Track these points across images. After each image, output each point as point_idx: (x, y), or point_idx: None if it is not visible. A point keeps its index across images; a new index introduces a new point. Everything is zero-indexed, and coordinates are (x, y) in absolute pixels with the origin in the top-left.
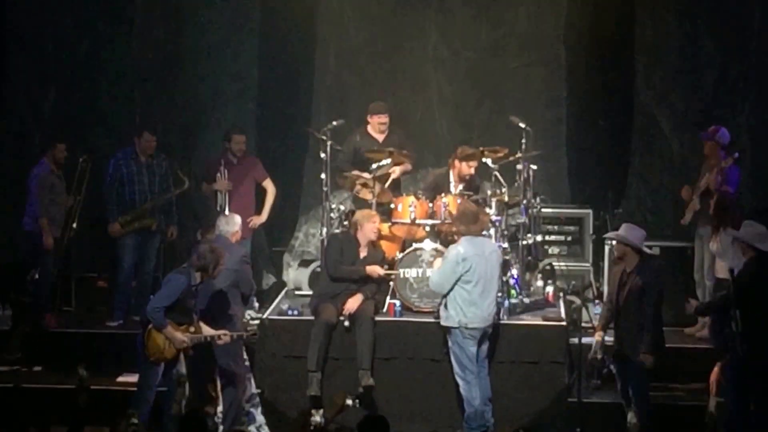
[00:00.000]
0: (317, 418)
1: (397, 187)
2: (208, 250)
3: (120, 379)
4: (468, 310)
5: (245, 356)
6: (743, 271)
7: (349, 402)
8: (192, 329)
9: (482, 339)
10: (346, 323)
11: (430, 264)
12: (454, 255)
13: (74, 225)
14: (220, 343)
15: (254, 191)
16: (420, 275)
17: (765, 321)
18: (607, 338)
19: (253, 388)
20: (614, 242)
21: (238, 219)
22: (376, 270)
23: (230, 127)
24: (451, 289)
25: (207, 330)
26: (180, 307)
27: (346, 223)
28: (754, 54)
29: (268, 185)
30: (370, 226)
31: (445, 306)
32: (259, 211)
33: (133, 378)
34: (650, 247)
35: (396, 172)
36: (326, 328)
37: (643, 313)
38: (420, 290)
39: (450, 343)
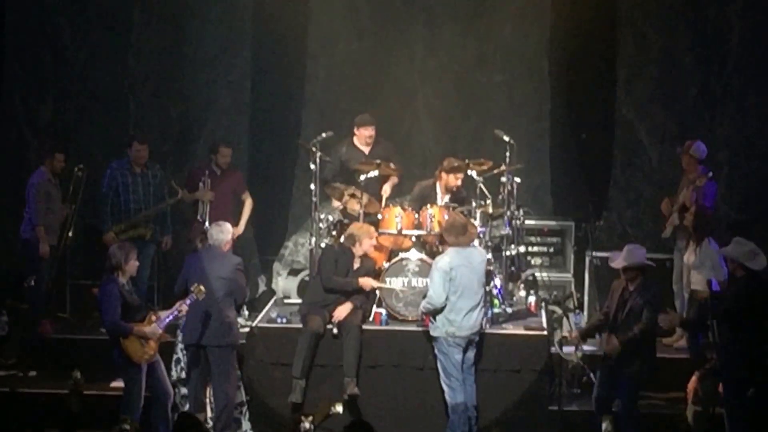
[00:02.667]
0: (306, 424)
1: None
2: (116, 248)
3: (113, 384)
4: (454, 320)
5: (236, 364)
6: (732, 288)
7: (337, 409)
8: (154, 317)
9: (468, 347)
10: (335, 331)
11: (416, 273)
12: (442, 266)
13: (70, 233)
14: (181, 315)
15: (233, 203)
16: (406, 285)
17: (751, 338)
18: (586, 347)
19: (242, 396)
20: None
21: (229, 227)
22: (368, 282)
23: (218, 140)
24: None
25: (164, 312)
26: (129, 307)
27: (334, 233)
28: (733, 69)
29: (247, 198)
30: (368, 241)
31: (433, 316)
32: (235, 224)
33: None
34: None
35: (387, 191)
36: (313, 337)
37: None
38: (405, 299)
39: (436, 351)
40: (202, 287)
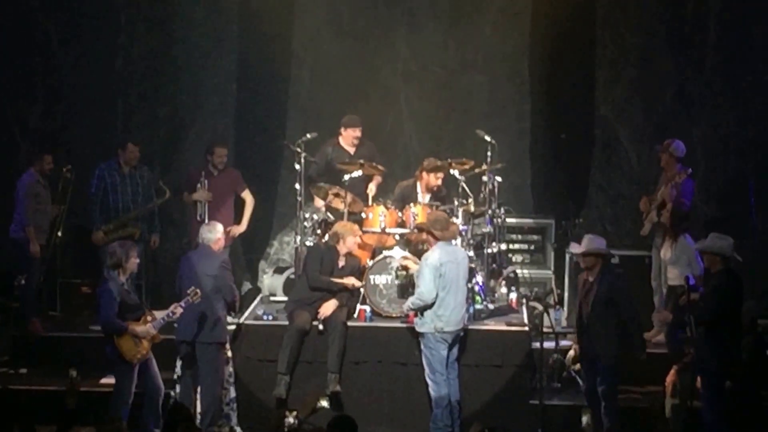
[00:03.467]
0: (291, 419)
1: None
2: (117, 246)
3: (103, 380)
4: (442, 315)
5: (224, 360)
6: (712, 282)
7: (323, 403)
8: (149, 318)
9: (453, 342)
10: (320, 327)
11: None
12: (432, 261)
13: (59, 233)
14: (175, 317)
15: (233, 202)
16: (389, 282)
17: (730, 330)
18: (565, 342)
19: (233, 391)
20: (581, 255)
21: (220, 227)
22: (353, 282)
23: (213, 140)
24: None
25: (160, 313)
26: (126, 306)
27: (319, 231)
28: (710, 70)
29: (247, 196)
30: (352, 239)
31: (420, 312)
32: (238, 221)
33: None
34: (612, 256)
35: (373, 190)
36: (298, 334)
37: (613, 319)
38: (389, 296)
39: (422, 347)
40: (198, 291)
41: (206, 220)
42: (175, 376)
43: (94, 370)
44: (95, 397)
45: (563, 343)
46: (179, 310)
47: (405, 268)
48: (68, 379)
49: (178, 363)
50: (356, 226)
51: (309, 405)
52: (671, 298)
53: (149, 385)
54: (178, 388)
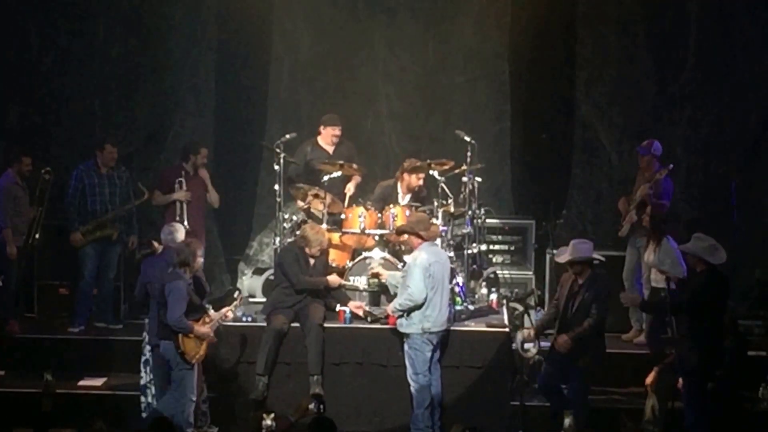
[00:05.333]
0: (268, 421)
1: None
2: (183, 245)
3: (81, 383)
4: (429, 315)
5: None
6: (694, 282)
7: (312, 406)
8: (207, 320)
9: (438, 343)
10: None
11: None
12: (421, 262)
13: (37, 235)
14: (227, 321)
15: (206, 201)
16: (369, 283)
17: (712, 331)
18: (543, 343)
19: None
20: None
21: (181, 227)
22: (337, 280)
23: (196, 141)
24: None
25: (214, 315)
26: (191, 305)
27: (298, 232)
28: (691, 69)
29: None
30: (316, 246)
31: (406, 313)
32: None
33: (95, 382)
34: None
35: (351, 189)
36: (276, 335)
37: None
38: (369, 298)
39: (407, 348)
40: (242, 295)
41: (185, 221)
42: (142, 382)
43: (71, 372)
44: (74, 400)
45: (544, 344)
46: (230, 314)
47: (376, 275)
48: (43, 383)
49: (144, 368)
50: (325, 234)
51: (301, 407)
52: (654, 299)
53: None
54: (145, 396)
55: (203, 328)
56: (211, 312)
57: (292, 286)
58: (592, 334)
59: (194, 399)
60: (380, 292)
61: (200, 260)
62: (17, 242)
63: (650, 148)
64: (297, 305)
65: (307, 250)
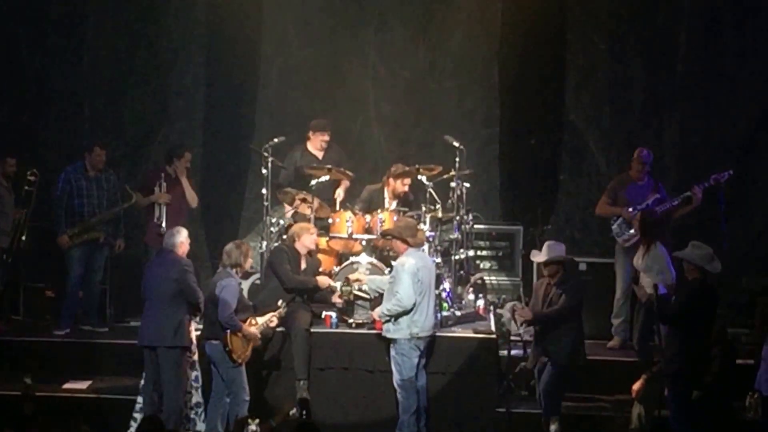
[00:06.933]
0: (253, 426)
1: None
2: (234, 247)
3: (66, 386)
4: (417, 320)
5: (196, 365)
6: (686, 290)
7: (294, 411)
8: (253, 322)
9: (425, 349)
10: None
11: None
12: (409, 267)
13: (23, 236)
14: (272, 326)
15: (187, 205)
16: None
17: (699, 339)
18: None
19: (199, 397)
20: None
21: (184, 232)
22: (326, 281)
23: (181, 145)
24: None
25: (261, 319)
26: (240, 305)
27: (285, 237)
28: (680, 76)
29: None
30: (309, 237)
31: (394, 318)
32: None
33: (80, 385)
34: (577, 263)
35: (341, 194)
36: (262, 339)
37: (570, 324)
38: (355, 302)
39: (394, 353)
40: (284, 304)
41: (163, 223)
42: (141, 384)
43: (56, 375)
44: (58, 403)
45: (515, 352)
46: (275, 321)
47: (354, 281)
48: (23, 386)
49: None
50: (311, 225)
51: (283, 412)
52: (642, 306)
53: (223, 389)
54: (140, 398)
55: (252, 329)
56: (258, 318)
57: (282, 285)
58: (557, 321)
59: (247, 398)
60: (353, 301)
61: (250, 261)
62: (3, 244)
63: (649, 157)
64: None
65: (298, 246)
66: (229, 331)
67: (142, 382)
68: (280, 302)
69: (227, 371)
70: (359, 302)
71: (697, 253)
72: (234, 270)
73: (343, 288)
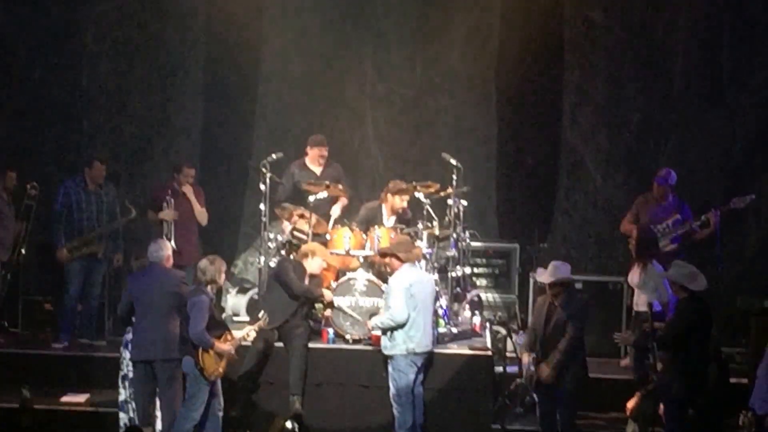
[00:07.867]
0: None
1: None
2: (208, 264)
3: (64, 399)
4: (413, 336)
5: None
6: (676, 310)
7: (288, 425)
8: (229, 337)
9: (422, 365)
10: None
11: (363, 293)
12: (401, 282)
13: (23, 250)
14: (248, 341)
15: (195, 219)
16: (353, 304)
17: (694, 358)
18: (511, 368)
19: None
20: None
21: (168, 244)
22: (329, 295)
23: (181, 160)
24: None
25: (237, 334)
26: (213, 321)
27: (282, 252)
28: (676, 96)
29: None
30: (319, 260)
31: (390, 334)
32: (203, 240)
33: (77, 398)
34: (574, 282)
35: (337, 212)
36: (258, 354)
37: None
38: (352, 318)
39: (391, 369)
40: (266, 316)
41: (172, 240)
42: (121, 399)
43: (54, 388)
44: (56, 416)
45: (511, 369)
46: (253, 334)
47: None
48: (21, 399)
49: (122, 383)
50: (327, 252)
51: (277, 425)
52: (637, 324)
53: (214, 404)
54: (125, 412)
55: (224, 345)
56: (235, 333)
57: (290, 292)
58: (570, 355)
59: (197, 418)
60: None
61: (223, 277)
62: (2, 257)
63: (668, 178)
64: (281, 327)
65: (306, 263)
66: (201, 348)
67: (121, 398)
68: (261, 314)
69: (192, 387)
70: (354, 316)
71: (679, 272)
72: (209, 287)
73: (317, 306)
